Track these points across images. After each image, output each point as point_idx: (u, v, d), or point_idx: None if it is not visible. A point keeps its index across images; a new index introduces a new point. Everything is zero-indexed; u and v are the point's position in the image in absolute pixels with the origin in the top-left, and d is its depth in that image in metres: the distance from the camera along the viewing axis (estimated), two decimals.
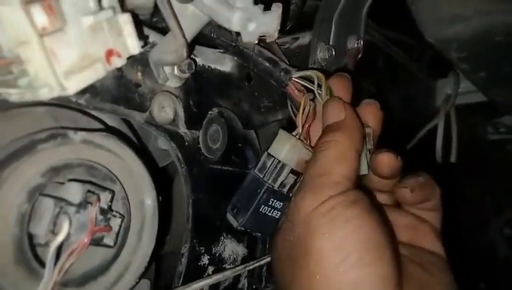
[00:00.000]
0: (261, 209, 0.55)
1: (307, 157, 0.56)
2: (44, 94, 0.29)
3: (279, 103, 0.65)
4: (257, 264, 0.59)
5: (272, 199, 0.56)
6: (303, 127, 0.57)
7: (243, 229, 0.57)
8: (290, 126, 0.65)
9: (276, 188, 0.55)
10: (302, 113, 0.57)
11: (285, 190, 0.56)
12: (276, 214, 0.57)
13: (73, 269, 0.37)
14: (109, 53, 0.34)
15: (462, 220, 1.42)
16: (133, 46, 0.36)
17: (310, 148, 0.56)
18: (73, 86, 0.31)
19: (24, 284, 0.35)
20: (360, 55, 0.77)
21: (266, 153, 0.58)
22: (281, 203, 0.57)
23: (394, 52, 0.96)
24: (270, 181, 0.55)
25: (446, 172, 1.15)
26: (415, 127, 1.06)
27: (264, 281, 0.66)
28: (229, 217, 0.58)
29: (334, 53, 0.72)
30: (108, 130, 0.44)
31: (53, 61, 0.30)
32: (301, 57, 0.71)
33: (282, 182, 0.56)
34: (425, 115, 1.06)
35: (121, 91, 0.44)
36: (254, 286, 0.66)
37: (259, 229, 0.58)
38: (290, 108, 0.65)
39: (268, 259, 0.60)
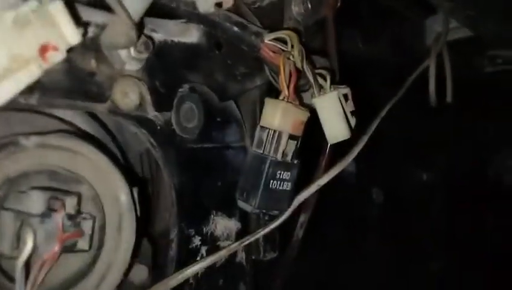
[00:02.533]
0: (270, 186, 0.53)
1: (302, 118, 0.53)
2: None
3: (256, 68, 0.61)
4: (252, 239, 0.58)
5: (279, 172, 0.53)
6: (288, 88, 0.54)
7: (257, 211, 0.55)
8: (270, 91, 0.62)
9: (279, 159, 0.53)
10: (284, 74, 0.54)
11: (288, 158, 0.54)
12: (286, 185, 0.55)
13: (50, 278, 0.36)
14: (44, 49, 0.31)
15: (465, 157, 1.41)
16: (71, 35, 0.33)
17: (302, 108, 0.54)
18: (2, 94, 0.27)
19: None
20: (339, 4, 0.72)
21: (259, 126, 0.55)
22: (289, 174, 0.54)
23: None
24: (271, 154, 0.53)
25: (443, 113, 1.13)
26: (406, 71, 1.02)
27: (262, 251, 0.66)
28: (240, 203, 0.56)
29: (310, 6, 0.66)
30: (66, 129, 0.41)
31: None
32: (275, 14, 0.66)
33: (283, 151, 0.53)
34: (416, 57, 1.01)
35: (75, 84, 0.40)
36: (253, 257, 0.65)
37: (275, 206, 0.55)
38: (268, 72, 0.61)
39: (264, 231, 0.59)
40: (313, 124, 0.59)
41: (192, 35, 0.53)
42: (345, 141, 0.65)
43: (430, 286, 1.34)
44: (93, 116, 0.48)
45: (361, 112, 0.61)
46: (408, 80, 0.97)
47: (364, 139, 0.72)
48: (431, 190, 1.38)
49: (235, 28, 0.54)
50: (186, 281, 0.53)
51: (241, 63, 0.59)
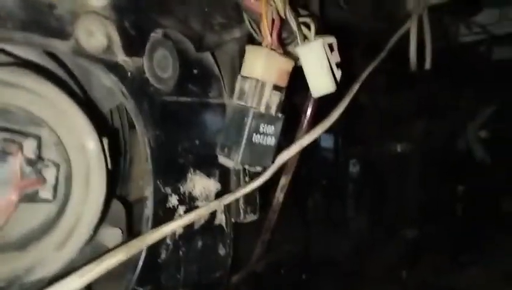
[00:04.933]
0: (253, 139, 0.50)
1: (287, 67, 0.50)
2: None
3: (235, 19, 0.57)
4: (232, 198, 0.55)
5: (262, 125, 0.50)
6: (271, 35, 0.51)
7: (240, 167, 0.52)
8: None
9: (262, 111, 0.50)
10: (267, 20, 0.50)
11: (272, 111, 0.51)
12: (270, 140, 0.51)
13: (8, 231, 0.32)
14: None
15: (441, 126, 1.43)
16: None
17: (286, 56, 0.50)
18: None
19: None
20: None
21: (240, 76, 0.51)
22: (272, 127, 0.51)
23: None
24: (254, 105, 0.49)
25: (421, 80, 1.12)
26: (386, 34, 1.00)
27: (242, 213, 0.63)
28: (222, 159, 0.52)
29: None
30: (19, 63, 0.36)
31: None
32: None
33: (267, 103, 0.50)
34: (396, 20, 0.99)
35: (31, 15, 0.35)
36: (233, 220, 0.62)
37: (258, 161, 0.52)
38: (248, 23, 0.57)
39: (245, 190, 0.56)
40: (295, 81, 0.56)
41: None
42: (325, 101, 0.62)
43: (405, 252, 1.37)
44: (58, 62, 0.43)
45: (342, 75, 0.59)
46: (389, 43, 0.95)
47: (347, 101, 0.70)
48: (405, 160, 1.40)
49: None
50: (163, 241, 0.50)
51: (219, 11, 0.55)
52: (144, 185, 0.56)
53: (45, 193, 0.33)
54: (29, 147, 0.31)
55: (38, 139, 0.32)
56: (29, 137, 0.32)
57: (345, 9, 0.90)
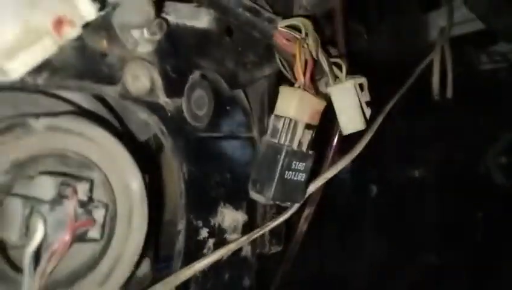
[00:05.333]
0: (286, 176, 0.50)
1: (319, 107, 0.51)
2: None
3: (265, 57, 0.59)
4: (261, 232, 0.56)
5: (294, 162, 0.51)
6: (304, 75, 0.52)
7: (271, 202, 0.52)
8: (279, 83, 0.60)
9: (295, 148, 0.51)
10: (300, 62, 0.52)
11: (304, 148, 0.52)
12: (301, 177, 0.52)
13: (58, 269, 0.34)
14: (58, 22, 0.28)
15: (460, 152, 1.42)
16: (87, 10, 0.30)
17: (318, 97, 0.52)
18: (17, 68, 0.25)
19: None
20: None
21: (273, 115, 0.52)
22: (304, 164, 0.52)
23: None
24: (287, 143, 0.50)
25: (437, 110, 1.12)
26: (408, 64, 1.01)
27: (268, 245, 0.64)
28: (254, 194, 0.53)
29: None
30: (76, 111, 0.38)
31: None
32: (285, 1, 0.64)
33: (300, 141, 0.51)
34: (418, 51, 1.00)
35: (85, 64, 0.38)
36: (258, 251, 0.64)
37: (289, 197, 0.53)
38: (278, 61, 0.59)
39: (272, 225, 0.57)
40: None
41: (202, 19, 0.51)
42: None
43: (424, 278, 1.36)
44: (100, 99, 0.45)
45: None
46: (412, 75, 0.96)
47: (371, 133, 0.71)
48: (423, 186, 1.39)
49: (248, 14, 0.52)
50: (193, 275, 0.51)
51: (251, 50, 0.57)
52: (172, 210, 0.58)
53: (94, 232, 0.35)
54: (82, 190, 0.33)
55: (90, 181, 0.35)
56: (83, 180, 0.34)
57: (368, 40, 0.92)
